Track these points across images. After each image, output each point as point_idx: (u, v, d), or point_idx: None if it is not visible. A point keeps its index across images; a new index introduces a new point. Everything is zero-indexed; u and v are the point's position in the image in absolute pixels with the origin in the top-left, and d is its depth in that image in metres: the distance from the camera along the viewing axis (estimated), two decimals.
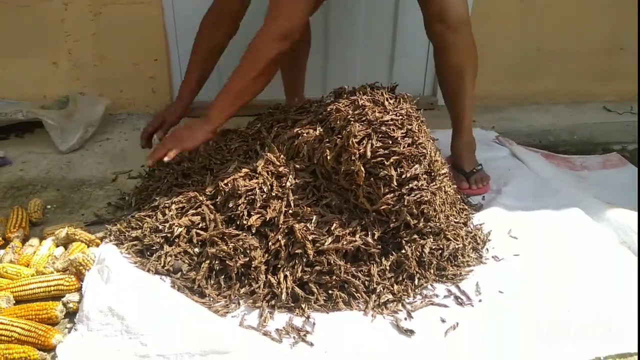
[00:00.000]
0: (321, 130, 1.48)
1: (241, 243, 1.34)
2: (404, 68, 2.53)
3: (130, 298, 1.22)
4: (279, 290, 1.28)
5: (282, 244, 1.33)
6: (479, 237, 1.53)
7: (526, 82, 2.58)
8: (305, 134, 1.49)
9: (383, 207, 1.36)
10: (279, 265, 1.33)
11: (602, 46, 2.55)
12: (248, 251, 1.33)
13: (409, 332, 1.22)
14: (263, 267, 1.32)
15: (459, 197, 1.70)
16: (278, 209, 1.37)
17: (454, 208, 1.56)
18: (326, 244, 1.32)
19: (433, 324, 1.25)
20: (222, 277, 1.34)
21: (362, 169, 1.36)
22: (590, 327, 1.24)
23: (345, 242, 1.33)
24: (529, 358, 1.16)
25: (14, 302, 1.28)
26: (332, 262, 1.31)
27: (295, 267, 1.31)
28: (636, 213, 1.62)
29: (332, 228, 1.35)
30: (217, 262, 1.34)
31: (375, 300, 1.29)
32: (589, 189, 1.87)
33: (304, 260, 1.32)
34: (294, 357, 1.16)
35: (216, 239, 1.36)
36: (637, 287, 1.33)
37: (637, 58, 2.50)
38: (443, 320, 1.25)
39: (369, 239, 1.35)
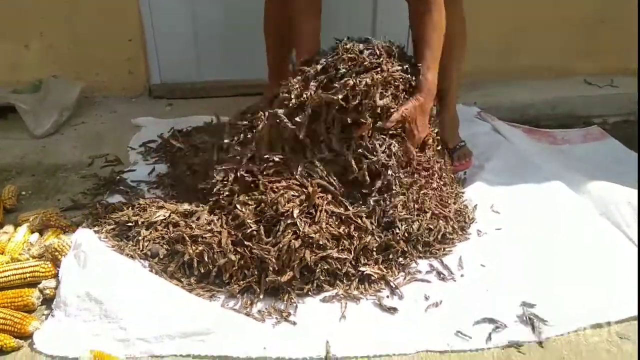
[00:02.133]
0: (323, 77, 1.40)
1: (209, 248, 1.27)
2: (386, 26, 2.45)
3: (108, 282, 1.20)
4: (257, 289, 1.25)
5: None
6: (467, 216, 1.53)
7: (508, 58, 2.55)
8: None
9: (376, 160, 1.35)
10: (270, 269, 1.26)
11: (584, 21, 2.54)
12: (216, 260, 1.26)
13: (392, 310, 1.22)
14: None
15: (454, 177, 1.68)
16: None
17: (449, 187, 1.55)
18: (332, 254, 1.27)
19: (415, 300, 1.25)
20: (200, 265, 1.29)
21: (369, 119, 1.35)
22: (571, 297, 1.25)
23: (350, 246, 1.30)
24: (512, 330, 1.17)
25: None
26: (332, 264, 1.27)
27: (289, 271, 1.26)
28: (617, 185, 1.63)
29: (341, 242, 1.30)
30: (187, 258, 1.29)
31: (359, 280, 1.29)
32: (570, 163, 1.87)
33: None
34: (277, 336, 1.15)
35: (185, 236, 1.30)
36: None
37: (619, 32, 2.50)
38: (427, 298, 1.25)
39: (369, 238, 1.31)
